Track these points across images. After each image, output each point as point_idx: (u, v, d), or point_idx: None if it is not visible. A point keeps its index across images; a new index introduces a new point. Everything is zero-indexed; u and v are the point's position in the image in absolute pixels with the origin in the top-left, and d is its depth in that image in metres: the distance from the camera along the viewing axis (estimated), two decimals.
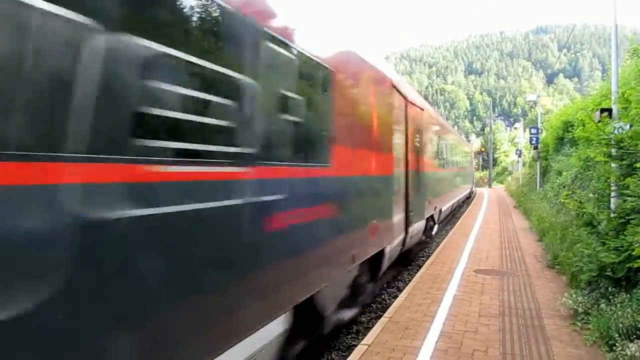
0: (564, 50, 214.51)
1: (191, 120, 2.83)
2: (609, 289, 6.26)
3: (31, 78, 1.85)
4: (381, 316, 6.69)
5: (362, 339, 5.85)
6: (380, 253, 7.10)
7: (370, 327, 6.46)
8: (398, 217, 8.14)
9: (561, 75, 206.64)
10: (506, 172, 59.45)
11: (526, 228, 15.90)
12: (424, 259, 11.78)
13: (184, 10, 2.84)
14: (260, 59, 3.58)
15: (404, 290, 7.93)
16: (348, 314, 6.54)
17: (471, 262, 10.11)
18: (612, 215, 7.27)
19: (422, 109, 11.34)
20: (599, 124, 7.86)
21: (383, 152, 7.15)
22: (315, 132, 4.82)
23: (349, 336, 6.84)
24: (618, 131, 7.32)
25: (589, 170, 11.92)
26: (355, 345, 5.76)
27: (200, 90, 2.91)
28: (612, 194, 7.66)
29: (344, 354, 6.07)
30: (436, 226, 14.59)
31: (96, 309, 2.13)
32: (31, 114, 1.86)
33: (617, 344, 4.82)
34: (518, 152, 40.19)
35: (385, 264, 7.66)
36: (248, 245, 3.39)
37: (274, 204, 3.77)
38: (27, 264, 1.84)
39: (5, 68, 1.77)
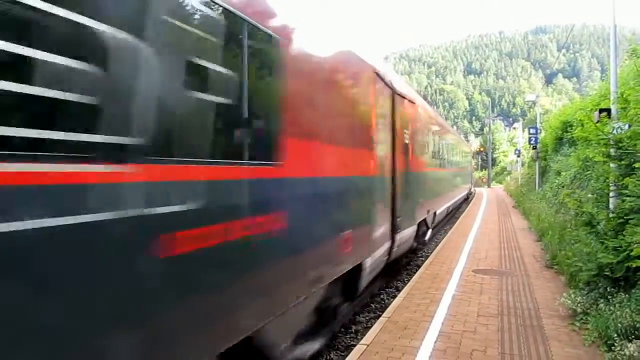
0: (563, 51, 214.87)
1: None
2: (608, 289, 6.27)
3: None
4: (380, 316, 6.69)
5: (361, 338, 5.85)
6: (358, 268, 6.09)
7: (369, 327, 6.46)
8: (382, 223, 7.20)
9: (560, 75, 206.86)
10: (505, 172, 59.48)
11: (525, 228, 15.91)
12: (423, 259, 11.78)
13: None
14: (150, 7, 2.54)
15: (403, 290, 7.93)
16: (312, 346, 5.39)
17: (470, 262, 10.11)
18: (610, 215, 7.28)
19: (414, 103, 10.42)
20: (597, 124, 7.87)
21: (361, 150, 6.14)
22: (253, 119, 3.53)
23: (348, 336, 6.84)
24: (617, 131, 7.32)
25: (588, 171, 11.93)
26: (354, 345, 5.76)
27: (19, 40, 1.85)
28: (611, 194, 7.66)
29: (342, 354, 6.07)
30: (430, 231, 13.47)
31: None
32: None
33: (615, 344, 4.83)
34: (517, 152, 40.16)
35: (365, 279, 6.56)
36: (122, 279, 2.31)
37: (173, 218, 2.63)
38: None
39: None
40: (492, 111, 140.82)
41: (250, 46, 3.48)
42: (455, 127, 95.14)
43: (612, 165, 7.52)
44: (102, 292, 2.19)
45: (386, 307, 7.39)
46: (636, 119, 7.45)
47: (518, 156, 39.48)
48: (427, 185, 12.17)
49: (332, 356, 6.14)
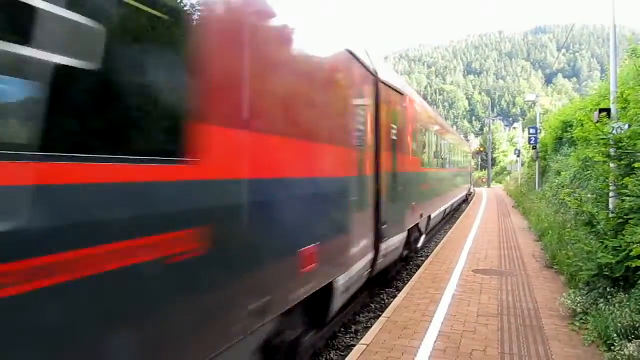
0: (563, 51, 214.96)
1: None
2: (608, 289, 6.27)
3: None
4: (380, 316, 6.70)
5: (361, 338, 5.85)
6: (328, 288, 4.95)
7: (369, 327, 6.47)
8: (362, 232, 6.13)
9: (560, 75, 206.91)
10: (505, 172, 59.48)
11: (525, 228, 15.91)
12: (423, 259, 11.78)
13: None
14: None
15: (403, 290, 7.93)
16: None
17: (470, 262, 10.11)
18: (610, 215, 7.28)
19: (403, 95, 9.13)
20: (597, 124, 7.87)
21: (331, 145, 4.99)
22: (139, 96, 2.49)
23: (348, 336, 6.84)
24: (617, 131, 7.32)
25: (588, 171, 11.93)
26: (354, 345, 5.77)
27: None
28: (611, 194, 7.67)
29: (342, 354, 6.07)
30: (423, 237, 12.18)
31: None
32: None
33: (615, 344, 4.83)
34: (517, 152, 40.13)
35: (338, 300, 5.38)
36: None
37: None
38: None
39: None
40: (492, 111, 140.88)
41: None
42: (455, 127, 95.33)
43: (612, 165, 7.52)
44: None
45: (386, 307, 7.40)
46: (636, 119, 7.47)
47: (518, 156, 39.47)
48: (420, 187, 11.17)
49: (332, 356, 6.14)
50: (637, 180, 6.21)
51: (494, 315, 6.47)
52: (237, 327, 3.22)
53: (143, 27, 2.50)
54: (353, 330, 7.08)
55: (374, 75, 7.06)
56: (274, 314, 3.75)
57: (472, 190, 37.02)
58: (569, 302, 6.43)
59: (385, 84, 7.62)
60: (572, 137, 14.64)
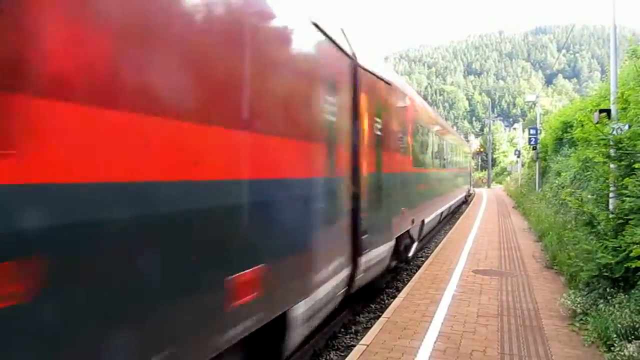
0: (563, 51, 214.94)
1: None
2: (607, 289, 6.27)
3: None
4: (380, 316, 6.70)
5: (361, 339, 5.86)
6: (280, 320, 3.95)
7: (369, 327, 6.47)
8: (333, 246, 5.28)
9: (560, 75, 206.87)
10: (505, 173, 59.50)
11: (525, 228, 15.91)
12: (423, 259, 11.79)
13: None
14: None
15: (403, 291, 7.93)
16: None
17: (470, 263, 10.11)
18: (610, 216, 7.29)
19: (390, 85, 8.00)
20: (597, 125, 7.88)
21: (280, 137, 3.89)
22: None
23: (348, 336, 6.85)
24: (617, 132, 7.33)
25: (588, 171, 11.94)
26: (354, 345, 5.77)
27: None
28: (611, 194, 7.67)
29: (342, 354, 6.08)
30: (415, 245, 11.01)
31: None
32: None
33: (615, 345, 4.83)
34: (517, 152, 40.15)
35: (297, 333, 4.34)
36: None
37: None
38: None
39: None
40: (492, 111, 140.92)
41: None
42: (455, 128, 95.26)
43: (611, 165, 7.53)
44: None
45: (386, 307, 7.40)
46: (636, 119, 7.48)
47: (518, 157, 39.48)
48: (412, 189, 10.18)
49: (332, 356, 6.15)
50: (637, 180, 6.22)
51: (493, 316, 6.48)
52: None
53: None
54: (353, 330, 7.08)
55: (352, 58, 6.03)
56: None
57: (471, 191, 36.34)
58: (569, 302, 6.44)
59: (366, 71, 6.58)
60: (572, 137, 14.66)
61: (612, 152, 7.41)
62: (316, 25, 4.66)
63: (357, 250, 6.06)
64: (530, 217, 16.70)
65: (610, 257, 6.25)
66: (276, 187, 3.86)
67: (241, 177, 3.32)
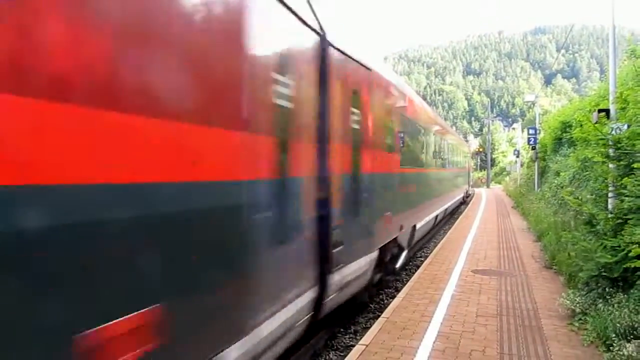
0: (562, 51, 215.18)
1: None
2: (607, 289, 6.27)
3: None
4: (379, 316, 6.70)
5: (360, 339, 5.86)
6: None
7: (368, 327, 6.47)
8: (289, 266, 4.35)
9: (559, 75, 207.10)
10: (504, 173, 59.53)
11: (524, 228, 15.92)
12: (422, 259, 11.79)
13: None
14: None
15: (402, 291, 7.93)
16: None
17: (469, 262, 10.11)
18: (609, 215, 7.29)
19: (371, 71, 6.91)
20: (596, 125, 7.88)
21: (199, 124, 2.91)
22: None
23: (347, 336, 6.84)
24: (615, 132, 7.33)
25: (587, 171, 11.94)
26: (353, 345, 5.77)
27: None
28: (610, 194, 7.68)
29: (342, 354, 6.07)
30: (404, 254, 9.90)
31: None
32: None
33: (614, 344, 4.83)
34: (516, 152, 40.15)
35: None
36: None
37: None
38: None
39: None
40: (491, 111, 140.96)
41: None
42: (454, 128, 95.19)
43: (610, 165, 7.53)
44: None
45: (385, 307, 7.39)
46: (635, 119, 7.47)
47: (517, 157, 39.47)
48: (400, 191, 9.14)
49: (331, 356, 6.14)
50: (636, 180, 6.22)
51: (493, 316, 6.47)
52: None
53: None
54: (352, 330, 7.08)
55: (319, 34, 4.97)
56: None
57: (470, 192, 35.63)
58: (568, 302, 6.44)
59: (340, 51, 5.51)
60: (571, 137, 14.64)
61: (611, 151, 7.42)
62: None
63: (326, 266, 5.06)
64: (529, 217, 16.71)
65: (609, 256, 6.26)
66: (181, 194, 2.73)
67: (175, 181, 2.58)
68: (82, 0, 2.11)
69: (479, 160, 71.97)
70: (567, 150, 18.40)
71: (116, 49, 2.25)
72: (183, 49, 2.75)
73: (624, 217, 6.52)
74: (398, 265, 9.56)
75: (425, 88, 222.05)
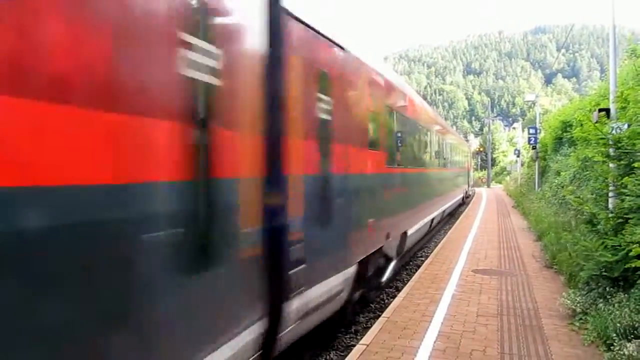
0: (563, 51, 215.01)
1: None
2: (607, 288, 6.28)
3: None
4: (379, 316, 6.70)
5: (361, 338, 5.86)
6: None
7: (369, 327, 6.47)
8: (223, 296, 3.43)
9: (559, 75, 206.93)
10: (505, 172, 59.50)
11: (524, 228, 15.92)
12: (423, 259, 11.79)
13: None
14: None
15: (403, 290, 7.93)
16: None
17: (469, 262, 10.11)
18: (610, 215, 7.29)
19: (345, 50, 5.82)
20: (596, 124, 7.88)
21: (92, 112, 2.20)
22: None
23: (348, 336, 6.85)
24: (616, 131, 7.33)
25: (587, 171, 11.94)
26: (354, 345, 5.77)
27: None
28: (610, 193, 7.67)
29: (342, 354, 6.08)
30: (393, 264, 8.98)
31: None
32: None
33: (615, 344, 4.83)
34: (516, 152, 40.14)
35: None
36: None
37: None
38: None
39: None
40: (492, 111, 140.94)
41: None
42: (455, 127, 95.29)
43: (611, 165, 7.53)
44: None
45: (386, 307, 7.40)
46: (635, 118, 7.47)
47: (517, 156, 39.46)
48: (387, 194, 8.12)
49: (331, 356, 6.15)
50: (636, 179, 6.22)
51: (493, 315, 6.47)
52: None
53: None
54: (353, 330, 7.08)
55: None
56: None
57: (470, 192, 34.39)
58: (569, 302, 6.44)
59: (302, 23, 4.60)
60: (572, 137, 14.65)
61: (611, 151, 7.41)
62: None
63: (281, 292, 4.10)
64: (530, 217, 16.70)
65: (610, 255, 6.25)
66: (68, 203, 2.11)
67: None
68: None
69: (479, 160, 71.96)
70: (567, 149, 18.40)
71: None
72: None
73: (625, 216, 6.52)
74: (384, 278, 8.62)
75: (425, 88, 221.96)
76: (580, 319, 6.06)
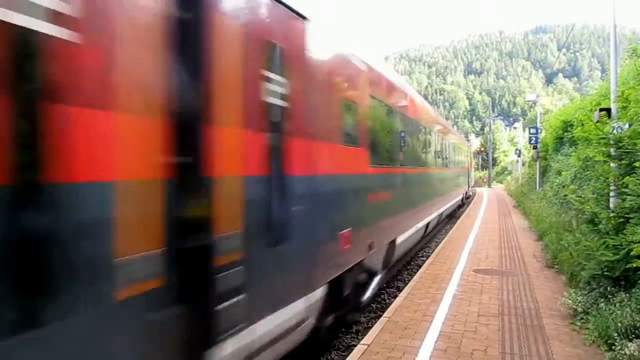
0: (563, 50, 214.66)
1: None
2: (608, 288, 6.28)
3: None
4: (381, 316, 6.70)
5: (362, 338, 5.86)
6: None
7: (370, 327, 6.47)
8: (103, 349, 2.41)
9: (560, 75, 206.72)
10: (505, 172, 59.51)
11: (525, 228, 15.91)
12: (424, 258, 11.79)
13: None
14: None
15: (404, 290, 7.93)
16: None
17: (470, 262, 10.11)
18: (611, 214, 7.29)
19: (305, 20, 4.74)
20: (597, 124, 7.88)
21: None
22: None
23: (349, 336, 6.85)
24: (617, 131, 7.33)
25: (588, 170, 11.92)
26: (355, 345, 5.78)
27: None
28: (611, 193, 7.67)
29: (343, 354, 6.08)
30: (377, 279, 7.96)
31: None
32: None
33: (616, 344, 4.83)
34: (517, 151, 40.15)
35: None
36: None
37: None
38: None
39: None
40: (493, 111, 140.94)
41: None
42: (456, 127, 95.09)
43: (612, 164, 7.53)
44: None
45: (387, 307, 7.40)
46: (636, 118, 7.47)
47: (519, 156, 39.46)
48: (371, 198, 6.96)
49: (333, 356, 6.15)
50: (637, 179, 6.22)
51: (494, 315, 6.47)
52: None
53: None
54: (354, 330, 7.08)
55: None
56: None
57: (470, 193, 33.14)
58: (570, 301, 6.44)
59: None
60: (573, 136, 14.63)
61: (612, 151, 7.41)
62: None
63: (203, 337, 3.12)
64: (531, 217, 16.68)
65: (611, 254, 6.25)
66: None
67: None
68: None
69: (480, 160, 71.92)
70: (568, 149, 18.38)
71: None
72: None
73: (626, 215, 6.52)
74: (367, 296, 7.45)
75: (426, 88, 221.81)
76: (582, 318, 6.06)
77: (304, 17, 4.74)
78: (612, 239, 6.48)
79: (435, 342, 5.47)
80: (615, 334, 5.01)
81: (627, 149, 7.02)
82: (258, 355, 3.81)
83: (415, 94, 12.40)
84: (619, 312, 5.36)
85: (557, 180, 17.22)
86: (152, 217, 2.73)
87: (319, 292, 5.04)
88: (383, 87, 8.07)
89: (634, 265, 5.38)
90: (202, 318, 3.10)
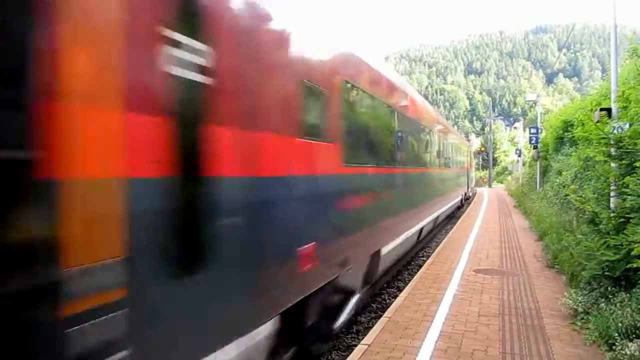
0: (564, 50, 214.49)
1: None
2: (609, 288, 6.27)
3: None
4: (381, 316, 6.70)
5: (362, 338, 5.86)
6: None
7: (370, 327, 6.47)
8: None
9: (561, 75, 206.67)
10: (506, 172, 59.49)
11: (526, 228, 15.90)
12: (424, 258, 11.79)
13: None
14: None
15: (404, 290, 7.93)
16: None
17: (471, 262, 10.11)
18: (611, 214, 7.29)
19: None
20: (598, 124, 7.88)
21: None
22: None
23: (349, 336, 6.85)
24: (617, 131, 7.33)
25: (589, 170, 11.91)
26: (355, 345, 5.78)
27: None
28: (612, 193, 7.67)
29: (343, 354, 6.08)
30: (355, 298, 6.80)
31: None
32: None
33: (616, 344, 4.83)
34: (518, 151, 40.16)
35: None
36: None
37: None
38: None
39: None
40: (493, 111, 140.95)
41: None
42: (456, 127, 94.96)
43: (612, 164, 7.53)
44: None
45: (387, 307, 7.40)
46: (637, 118, 7.47)
47: (519, 156, 39.45)
48: (345, 204, 5.84)
49: (333, 356, 6.15)
50: (637, 179, 6.22)
51: (495, 315, 6.47)
52: None
53: None
54: (354, 330, 7.09)
55: None
56: None
57: (469, 194, 31.95)
58: (570, 301, 6.43)
59: None
60: (573, 136, 14.63)
61: (612, 150, 7.41)
62: None
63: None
64: (531, 217, 16.68)
65: (612, 254, 6.25)
66: None
67: None
68: None
69: (480, 160, 71.90)
70: (569, 149, 18.36)
71: None
72: None
73: (626, 215, 6.52)
74: (340, 321, 6.29)
75: (426, 87, 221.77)
76: (582, 318, 6.06)
77: None
78: (613, 238, 6.48)
79: (436, 342, 5.47)
80: (616, 334, 5.01)
81: (627, 148, 7.02)
82: None
83: (404, 84, 10.87)
84: (619, 312, 5.36)
85: (558, 180, 17.21)
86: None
87: (264, 329, 3.99)
88: (363, 71, 6.88)
89: (635, 265, 5.37)
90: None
